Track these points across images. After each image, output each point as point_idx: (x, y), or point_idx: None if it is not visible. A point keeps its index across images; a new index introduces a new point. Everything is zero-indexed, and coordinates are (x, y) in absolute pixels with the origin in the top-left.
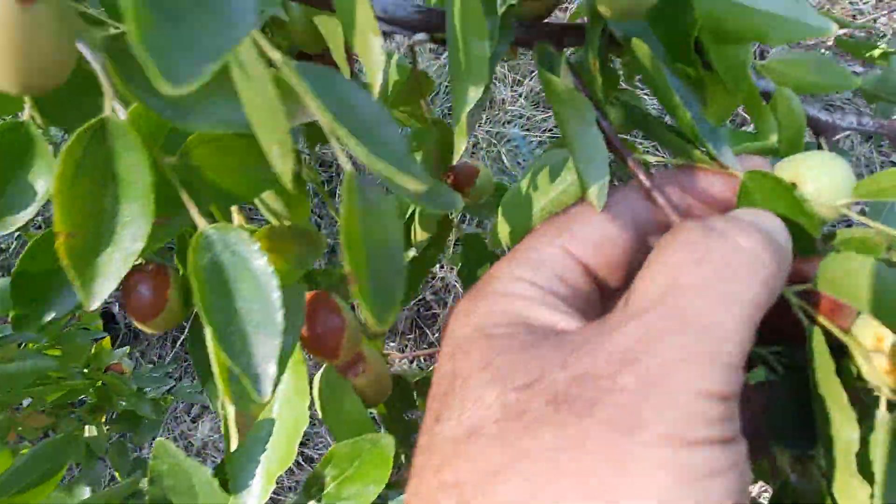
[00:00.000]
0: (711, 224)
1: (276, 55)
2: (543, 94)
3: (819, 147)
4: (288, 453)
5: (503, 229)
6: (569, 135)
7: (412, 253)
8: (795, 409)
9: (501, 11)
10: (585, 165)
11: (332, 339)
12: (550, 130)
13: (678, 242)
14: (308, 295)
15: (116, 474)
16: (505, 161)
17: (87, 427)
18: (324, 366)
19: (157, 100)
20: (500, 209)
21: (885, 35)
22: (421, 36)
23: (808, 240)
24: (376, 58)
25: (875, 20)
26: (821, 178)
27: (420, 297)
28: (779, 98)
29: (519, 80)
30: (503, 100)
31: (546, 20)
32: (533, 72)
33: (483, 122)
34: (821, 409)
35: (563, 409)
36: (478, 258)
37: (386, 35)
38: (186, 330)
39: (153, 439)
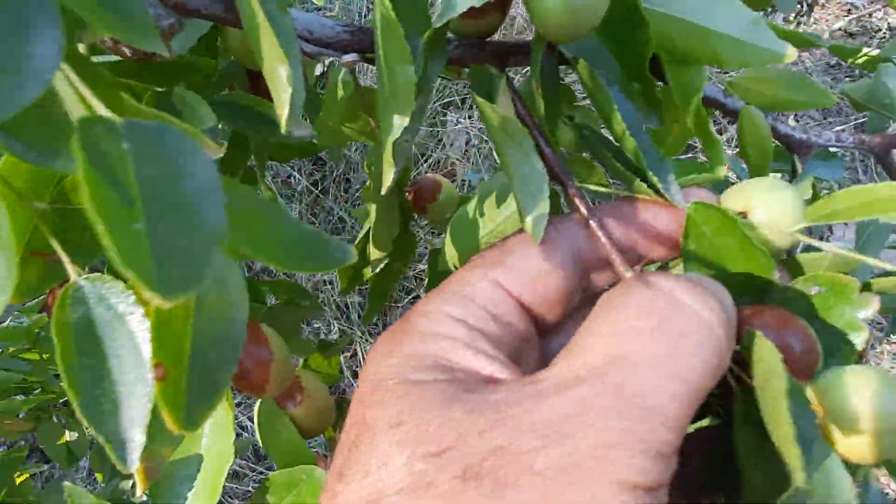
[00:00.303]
0: (665, 284)
1: (102, 112)
2: None
3: (793, 165)
4: (214, 489)
5: (451, 251)
6: (506, 163)
7: (370, 272)
8: (732, 458)
9: (430, 31)
10: (523, 195)
11: (259, 373)
12: None
13: (629, 304)
14: None
15: (99, 477)
16: (496, 157)
17: (67, 431)
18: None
19: (18, 144)
20: (448, 229)
21: (879, 30)
22: (351, 56)
23: (762, 283)
24: (282, 88)
25: (870, 14)
26: (771, 205)
27: (415, 294)
28: (745, 116)
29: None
30: None
31: (490, 39)
32: (525, 69)
33: (474, 118)
34: (743, 474)
35: (472, 486)
36: (445, 274)
37: (309, 55)
38: None
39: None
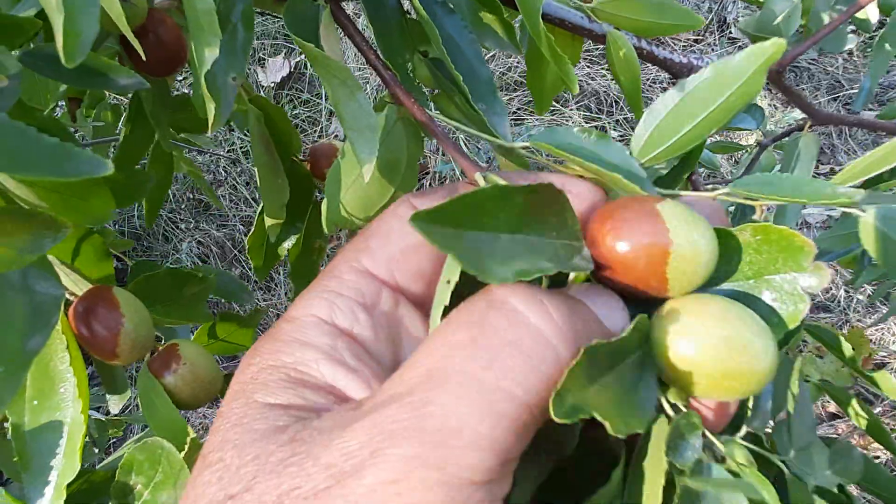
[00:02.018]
0: (500, 292)
1: None
2: (505, 76)
3: None
4: (73, 457)
5: (324, 208)
6: (334, 102)
7: (287, 245)
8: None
9: None
10: (355, 135)
11: (107, 339)
12: (514, 113)
13: (461, 316)
14: (88, 289)
15: None
16: (464, 146)
17: None
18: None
19: None
20: (325, 189)
21: None
22: None
23: None
24: (55, 14)
25: None
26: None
27: None
28: (610, 42)
29: None
30: None
31: None
32: (493, 52)
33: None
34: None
35: None
36: None
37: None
38: None
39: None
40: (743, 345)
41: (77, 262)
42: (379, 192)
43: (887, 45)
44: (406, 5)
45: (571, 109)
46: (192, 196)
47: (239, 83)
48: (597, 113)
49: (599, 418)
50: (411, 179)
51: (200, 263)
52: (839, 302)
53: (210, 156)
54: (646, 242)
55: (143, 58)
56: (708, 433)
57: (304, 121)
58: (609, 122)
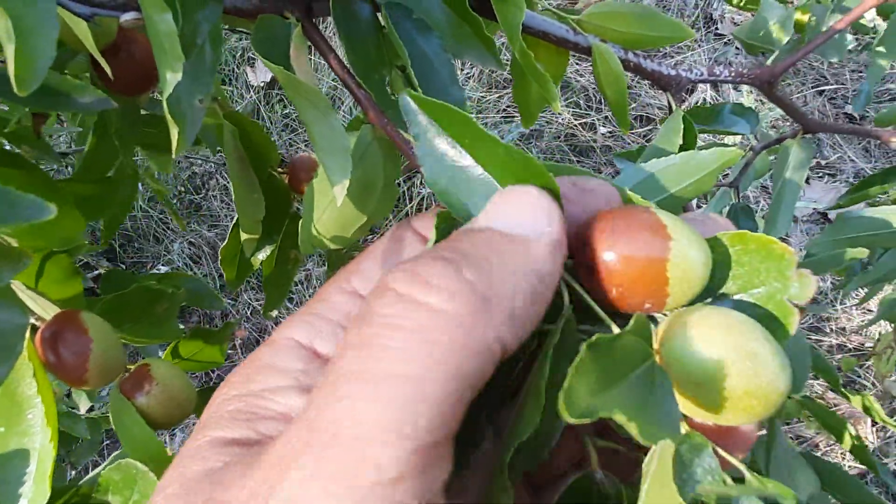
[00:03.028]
0: (395, 272)
1: None
2: (495, 76)
3: (670, 106)
4: (42, 485)
5: (301, 229)
6: (305, 123)
7: (261, 256)
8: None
9: None
10: (327, 158)
11: (76, 364)
12: (504, 111)
13: (359, 314)
14: (55, 314)
15: None
16: None
17: None
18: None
19: None
20: (303, 210)
21: None
22: (131, 15)
23: None
24: (4, 41)
25: None
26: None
27: None
28: (596, 54)
29: (469, 62)
30: None
31: None
32: None
33: None
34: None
35: None
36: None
37: (84, 17)
38: None
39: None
40: (765, 360)
41: (42, 284)
42: (355, 214)
43: (883, 49)
44: (383, 20)
45: (561, 106)
46: (182, 196)
47: (206, 105)
48: (586, 109)
49: (622, 420)
50: (388, 200)
51: (192, 264)
52: (825, 293)
53: (199, 156)
54: (649, 250)
55: (111, 77)
56: (721, 451)
57: (293, 120)
58: (598, 119)
